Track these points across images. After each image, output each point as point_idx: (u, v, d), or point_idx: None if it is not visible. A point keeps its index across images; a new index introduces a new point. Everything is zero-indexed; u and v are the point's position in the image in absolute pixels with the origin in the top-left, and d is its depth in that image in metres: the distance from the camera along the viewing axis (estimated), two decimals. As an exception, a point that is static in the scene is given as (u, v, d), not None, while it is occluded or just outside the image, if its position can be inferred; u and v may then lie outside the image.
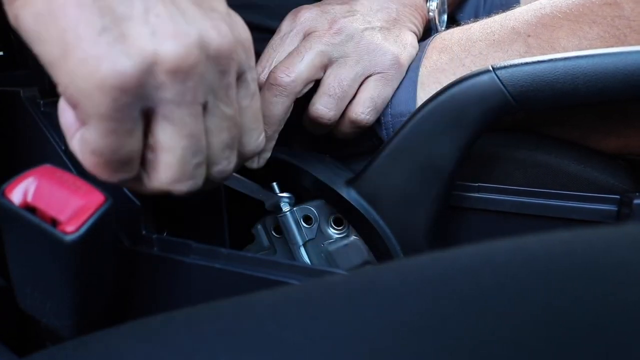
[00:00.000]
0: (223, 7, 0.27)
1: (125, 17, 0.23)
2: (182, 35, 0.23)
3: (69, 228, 0.24)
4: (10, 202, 0.24)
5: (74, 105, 0.24)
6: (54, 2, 0.23)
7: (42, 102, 0.34)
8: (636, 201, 0.35)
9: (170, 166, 0.26)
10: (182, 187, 0.27)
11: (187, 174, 0.26)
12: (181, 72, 0.24)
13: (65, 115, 0.25)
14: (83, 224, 0.24)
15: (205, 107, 0.26)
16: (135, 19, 0.23)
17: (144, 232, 0.32)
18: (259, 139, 0.31)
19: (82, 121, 0.24)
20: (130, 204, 0.32)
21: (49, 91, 0.44)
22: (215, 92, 0.26)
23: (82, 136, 0.24)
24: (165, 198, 0.28)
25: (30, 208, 0.24)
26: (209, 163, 0.28)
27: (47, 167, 0.25)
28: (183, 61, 0.23)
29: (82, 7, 0.22)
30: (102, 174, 0.25)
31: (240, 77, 0.28)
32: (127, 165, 0.25)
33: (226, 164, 0.29)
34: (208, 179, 0.28)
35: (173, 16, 0.24)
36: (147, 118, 0.25)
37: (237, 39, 0.26)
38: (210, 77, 0.25)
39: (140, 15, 0.23)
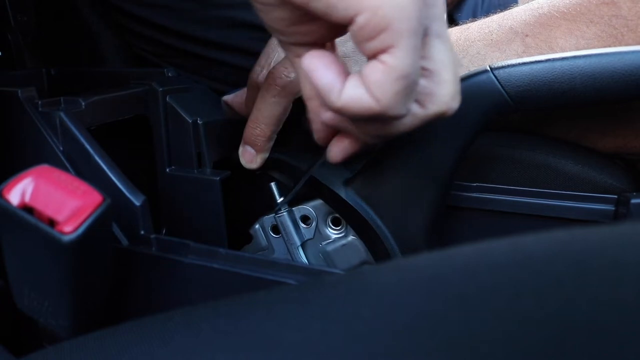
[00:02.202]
0: None
1: None
2: None
3: (67, 228, 0.24)
4: (8, 202, 0.24)
5: (381, 30, 0.24)
6: None
7: (40, 102, 0.34)
8: (633, 201, 0.35)
9: (450, 82, 0.27)
10: (457, 104, 0.28)
11: (459, 87, 0.28)
12: None
13: (325, 74, 0.26)
14: (81, 224, 0.24)
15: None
16: None
17: (142, 232, 0.32)
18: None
19: (385, 49, 0.24)
20: (129, 204, 0.32)
21: (47, 91, 0.44)
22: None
23: (386, 67, 0.25)
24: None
25: (27, 208, 0.24)
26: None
27: (44, 168, 0.25)
28: None
29: None
30: (401, 103, 0.26)
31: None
32: (414, 90, 0.26)
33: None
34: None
35: None
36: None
37: None
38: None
39: None
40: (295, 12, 0.27)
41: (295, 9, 0.26)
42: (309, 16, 0.26)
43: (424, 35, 0.26)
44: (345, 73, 0.27)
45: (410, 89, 0.26)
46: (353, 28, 0.25)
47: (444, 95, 0.28)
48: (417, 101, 0.28)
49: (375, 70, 0.25)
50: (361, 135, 0.32)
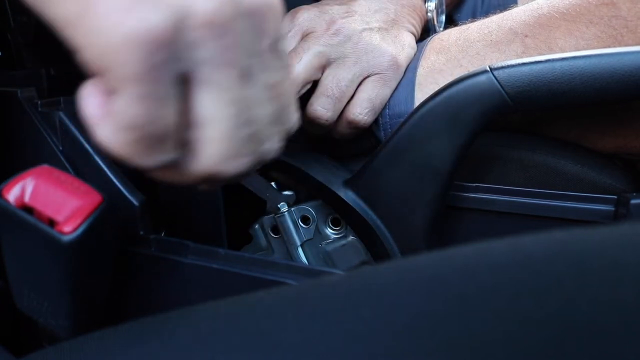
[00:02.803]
0: None
1: None
2: None
3: (67, 228, 0.24)
4: (8, 202, 0.24)
5: (101, 71, 0.21)
6: None
7: (39, 102, 0.34)
8: (633, 201, 0.35)
9: (217, 141, 0.23)
10: (232, 168, 0.24)
11: (235, 150, 0.23)
12: (216, 27, 0.21)
13: (89, 103, 0.23)
14: (80, 224, 0.24)
15: (246, 74, 0.23)
16: None
17: (141, 233, 0.32)
18: (295, 115, 0.28)
19: (113, 90, 0.21)
20: (128, 204, 0.32)
21: (46, 92, 0.44)
22: (256, 56, 0.23)
23: (113, 111, 0.22)
24: (179, 195, 0.27)
25: (27, 208, 0.24)
26: (257, 140, 0.25)
27: (44, 168, 0.25)
28: (216, 14, 0.21)
29: None
30: (138, 155, 0.22)
31: (273, 45, 0.25)
32: (164, 143, 0.22)
33: (275, 140, 0.26)
34: (258, 159, 0.25)
35: None
36: (184, 91, 0.22)
37: (268, 3, 0.24)
38: (248, 38, 0.23)
39: None
40: None
41: None
42: None
43: (187, 82, 0.22)
44: (109, 107, 0.23)
45: (150, 140, 0.22)
46: (84, 61, 0.22)
47: (208, 156, 0.23)
48: (187, 151, 0.23)
49: (104, 124, 0.22)
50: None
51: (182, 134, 0.23)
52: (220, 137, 0.23)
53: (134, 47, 0.20)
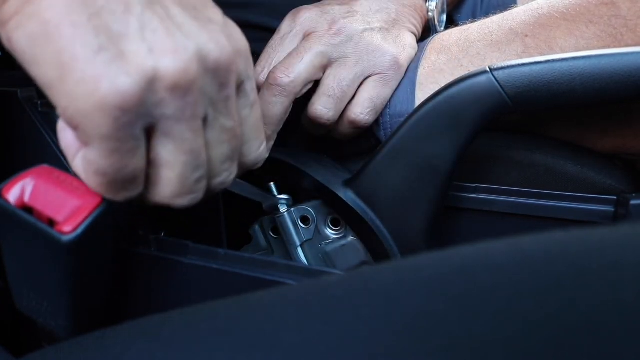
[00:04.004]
0: (220, 17, 0.27)
1: (122, 34, 0.22)
2: (181, 50, 0.23)
3: (66, 228, 0.24)
4: (7, 202, 0.24)
5: (74, 127, 0.23)
6: (48, 23, 0.22)
7: (39, 102, 0.34)
8: (633, 202, 0.35)
9: (170, 181, 0.26)
10: (182, 202, 0.27)
11: (187, 189, 0.26)
12: (181, 88, 0.23)
13: (66, 135, 0.24)
14: (80, 224, 0.24)
15: (205, 120, 0.26)
16: (131, 36, 0.23)
17: (141, 233, 0.32)
18: (260, 149, 0.30)
19: (84, 142, 0.24)
20: (128, 204, 0.32)
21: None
22: (215, 105, 0.26)
23: (84, 157, 0.24)
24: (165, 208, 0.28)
25: (27, 208, 0.24)
26: (209, 176, 0.27)
27: (44, 168, 0.25)
28: (182, 76, 0.23)
29: (76, 27, 0.22)
30: (107, 194, 0.25)
31: (239, 87, 0.27)
32: (132, 184, 0.25)
33: (227, 175, 0.28)
34: (208, 191, 0.28)
35: (170, 31, 0.23)
36: (149, 134, 0.25)
37: (235, 50, 0.26)
38: (210, 90, 0.25)
39: (137, 32, 0.23)
40: None
41: None
42: None
43: (150, 130, 0.24)
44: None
45: (116, 184, 0.24)
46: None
47: (162, 191, 0.26)
48: (149, 186, 0.26)
49: (79, 159, 0.24)
50: None
51: (145, 172, 0.25)
52: (174, 178, 0.25)
53: (105, 112, 0.22)
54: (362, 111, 0.42)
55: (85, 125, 0.22)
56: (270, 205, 0.42)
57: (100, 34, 0.22)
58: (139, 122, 0.23)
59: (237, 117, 0.27)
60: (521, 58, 0.36)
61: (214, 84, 0.25)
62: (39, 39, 0.22)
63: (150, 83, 0.23)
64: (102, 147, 0.23)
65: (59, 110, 0.23)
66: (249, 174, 0.43)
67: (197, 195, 0.27)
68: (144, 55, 0.22)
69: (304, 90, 0.41)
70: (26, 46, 0.23)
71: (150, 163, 0.25)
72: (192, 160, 0.25)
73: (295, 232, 0.42)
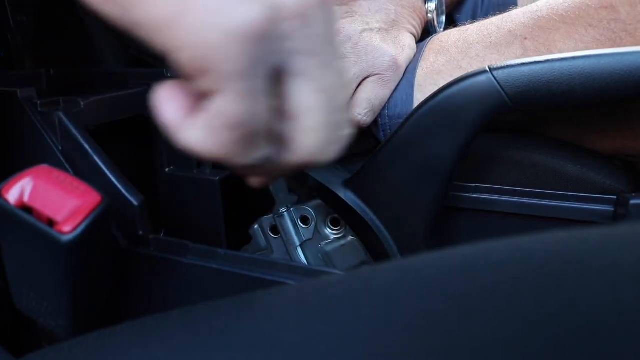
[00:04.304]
0: None
1: None
2: None
3: (66, 228, 0.24)
4: (7, 202, 0.24)
5: (198, 73, 0.21)
6: None
7: (39, 102, 0.34)
8: (632, 202, 0.35)
9: (314, 130, 0.23)
10: (327, 155, 0.24)
11: (332, 137, 0.24)
12: (304, 17, 0.21)
13: (169, 108, 0.23)
14: (80, 224, 0.24)
15: (326, 62, 0.23)
16: None
17: (140, 233, 0.32)
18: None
19: (211, 92, 0.21)
20: (127, 204, 0.32)
21: (46, 92, 0.44)
22: (331, 44, 0.23)
23: (212, 112, 0.22)
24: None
25: (26, 208, 0.24)
26: (341, 126, 0.25)
27: (43, 168, 0.25)
28: (304, 4, 0.21)
29: None
30: (235, 154, 0.22)
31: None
32: (262, 138, 0.23)
33: (348, 127, 0.26)
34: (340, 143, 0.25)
35: None
36: (277, 86, 0.22)
37: None
38: (325, 26, 0.23)
39: None
40: None
41: None
42: None
43: (278, 73, 0.22)
44: (196, 109, 0.23)
45: (249, 137, 0.22)
46: (176, 65, 0.21)
47: (306, 146, 0.23)
48: (280, 145, 0.24)
49: (208, 114, 0.22)
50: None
51: (275, 129, 0.23)
52: (317, 125, 0.23)
53: (235, 43, 0.20)
54: (360, 112, 0.42)
55: (216, 62, 0.20)
56: (282, 205, 0.42)
57: None
58: (268, 59, 0.21)
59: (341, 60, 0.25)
60: (520, 59, 0.36)
61: (326, 21, 0.23)
62: None
63: (276, 12, 0.21)
64: (235, 89, 0.21)
65: (178, 56, 0.21)
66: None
67: (340, 146, 0.25)
68: None
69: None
70: None
71: (285, 116, 0.23)
72: (328, 100, 0.23)
73: (295, 232, 0.42)
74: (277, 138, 0.23)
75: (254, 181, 0.25)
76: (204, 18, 0.20)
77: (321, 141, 0.24)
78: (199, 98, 0.22)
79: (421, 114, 0.37)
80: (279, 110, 0.23)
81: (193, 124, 0.22)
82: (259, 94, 0.21)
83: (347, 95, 0.25)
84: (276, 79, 0.22)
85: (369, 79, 0.43)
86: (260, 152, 0.23)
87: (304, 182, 0.41)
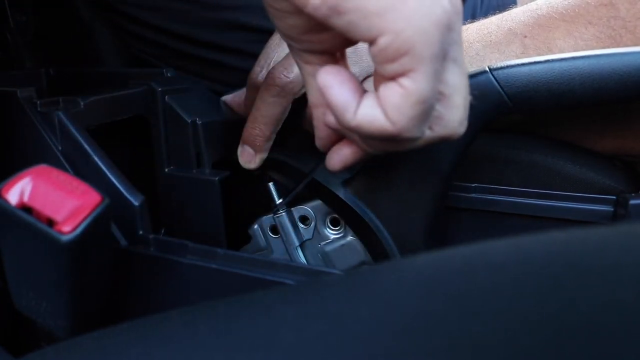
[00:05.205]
0: None
1: None
2: None
3: (66, 228, 0.24)
4: (7, 202, 0.24)
5: (403, 53, 0.24)
6: None
7: (39, 102, 0.34)
8: (632, 202, 0.35)
9: (460, 107, 0.27)
10: (463, 129, 0.28)
11: (467, 114, 0.28)
12: (460, 14, 0.25)
13: (341, 91, 0.26)
14: (79, 224, 0.24)
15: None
16: None
17: (140, 233, 0.32)
18: None
19: (405, 72, 0.24)
20: (127, 204, 0.32)
21: (46, 91, 0.44)
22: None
23: (405, 90, 0.24)
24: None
25: (26, 208, 0.24)
26: None
27: (43, 167, 0.25)
28: (460, 5, 0.25)
29: None
30: (417, 127, 0.26)
31: None
32: (430, 114, 0.26)
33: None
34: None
35: None
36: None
37: None
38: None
39: None
40: (310, 21, 0.26)
41: (310, 18, 0.25)
42: (322, 25, 0.26)
43: (443, 59, 0.25)
44: (361, 91, 0.27)
45: (427, 113, 0.26)
46: (374, 49, 0.24)
47: (453, 121, 0.27)
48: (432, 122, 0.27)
49: (394, 93, 0.25)
50: (365, 148, 0.31)
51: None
52: (463, 103, 0.27)
53: (436, 29, 0.24)
54: (361, 111, 0.42)
55: (421, 45, 0.24)
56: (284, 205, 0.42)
57: None
58: (448, 44, 0.25)
59: None
60: (520, 59, 0.36)
61: None
62: None
63: (456, 6, 0.25)
64: (429, 70, 0.24)
65: (387, 39, 0.24)
66: (250, 174, 0.43)
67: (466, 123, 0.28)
68: None
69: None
70: None
71: (441, 96, 0.26)
72: (467, 85, 0.27)
73: (295, 232, 0.42)
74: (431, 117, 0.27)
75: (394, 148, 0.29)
76: (417, 8, 0.23)
77: (464, 116, 0.28)
78: (359, 82, 0.26)
79: (421, 113, 0.37)
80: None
81: (364, 104, 0.26)
82: (442, 72, 0.25)
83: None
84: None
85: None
86: (427, 126, 0.27)
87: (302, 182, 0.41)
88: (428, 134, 0.28)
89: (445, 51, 0.25)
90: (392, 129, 0.25)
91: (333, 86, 0.26)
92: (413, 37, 0.23)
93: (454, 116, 0.27)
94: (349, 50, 0.42)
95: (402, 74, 0.24)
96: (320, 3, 0.24)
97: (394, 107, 0.25)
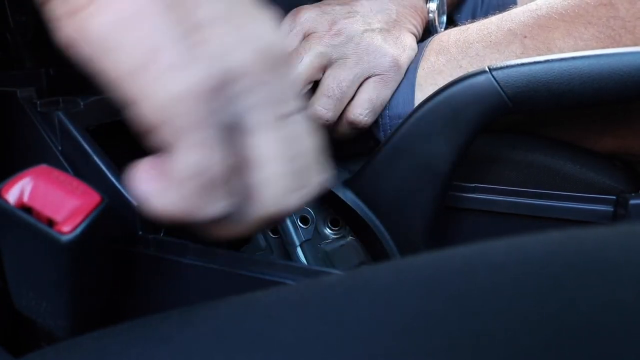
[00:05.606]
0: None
1: (204, 22, 0.22)
2: (255, 39, 0.23)
3: (65, 228, 0.24)
4: (7, 202, 0.24)
5: (156, 125, 0.22)
6: (130, 10, 0.21)
7: (39, 102, 0.34)
8: (632, 202, 0.35)
9: (276, 179, 0.24)
10: (291, 203, 0.24)
11: (294, 184, 0.24)
12: (258, 74, 0.23)
13: (145, 179, 0.23)
14: (79, 224, 0.24)
15: (284, 112, 0.24)
16: (214, 23, 0.22)
17: (140, 233, 0.32)
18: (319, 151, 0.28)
19: (171, 145, 0.22)
20: (127, 204, 0.32)
21: (46, 91, 0.44)
22: (287, 94, 0.24)
23: (172, 167, 0.22)
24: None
25: (26, 208, 0.24)
26: (307, 172, 0.25)
27: (43, 167, 0.25)
28: (255, 64, 0.23)
29: (161, 14, 0.22)
30: (199, 206, 0.23)
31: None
32: (221, 190, 0.23)
33: (320, 172, 0.26)
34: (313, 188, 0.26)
35: (246, 22, 0.23)
36: (234, 140, 0.23)
37: (281, 45, 0.25)
38: (280, 79, 0.24)
39: (220, 19, 0.22)
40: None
41: None
42: None
43: (236, 124, 0.23)
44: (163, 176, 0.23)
45: (208, 188, 0.22)
46: (139, 115, 0.22)
47: (269, 196, 0.24)
48: (246, 198, 0.24)
49: (165, 187, 0.23)
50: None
51: (235, 182, 0.23)
52: (279, 174, 0.24)
53: (186, 99, 0.21)
54: (361, 112, 0.42)
55: (171, 114, 0.21)
56: None
57: (184, 21, 0.22)
58: (223, 112, 0.22)
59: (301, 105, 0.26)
60: (520, 59, 0.36)
61: (281, 74, 0.24)
62: (121, 26, 0.22)
63: (226, 71, 0.22)
64: (188, 140, 0.22)
65: (137, 106, 0.22)
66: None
67: (304, 193, 0.25)
68: (229, 40, 0.22)
69: (304, 91, 0.41)
70: (105, 34, 0.22)
71: (245, 172, 0.23)
72: (294, 147, 0.24)
73: (295, 232, 0.42)
74: (240, 191, 0.24)
75: (222, 232, 0.25)
76: (160, 74, 0.21)
77: (284, 190, 0.24)
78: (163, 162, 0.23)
79: (421, 114, 0.37)
80: (242, 160, 0.23)
81: (162, 190, 0.23)
82: (214, 144, 0.22)
83: (315, 140, 0.26)
84: (235, 130, 0.23)
85: (370, 79, 0.43)
86: (221, 204, 0.23)
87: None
88: (249, 211, 0.24)
89: (234, 116, 0.22)
90: (180, 213, 0.23)
91: (140, 178, 0.24)
92: (163, 106, 0.21)
93: (268, 190, 0.23)
94: (350, 52, 0.43)
95: (167, 145, 0.22)
96: (93, 60, 0.23)
97: (166, 194, 0.23)
